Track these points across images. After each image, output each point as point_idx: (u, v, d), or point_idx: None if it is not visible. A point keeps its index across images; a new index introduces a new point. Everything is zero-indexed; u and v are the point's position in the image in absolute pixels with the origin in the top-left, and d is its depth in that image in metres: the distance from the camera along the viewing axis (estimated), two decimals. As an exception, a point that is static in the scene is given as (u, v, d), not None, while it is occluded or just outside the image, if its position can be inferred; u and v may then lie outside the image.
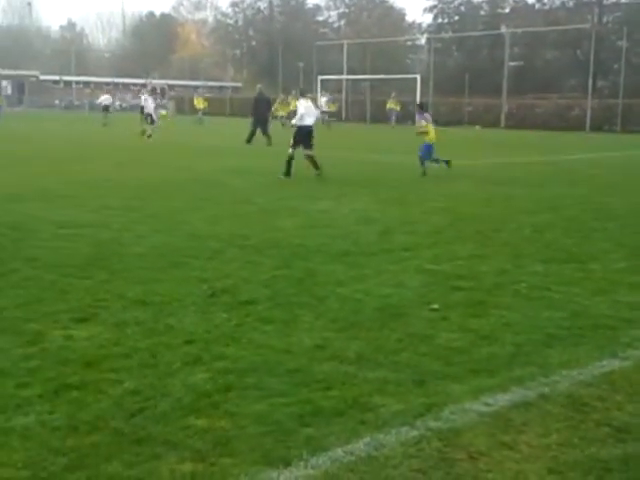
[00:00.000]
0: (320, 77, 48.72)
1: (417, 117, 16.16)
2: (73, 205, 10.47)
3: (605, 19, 58.12)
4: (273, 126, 25.77)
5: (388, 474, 3.10)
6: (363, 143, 27.95)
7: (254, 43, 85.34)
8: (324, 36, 73.69)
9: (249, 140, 24.57)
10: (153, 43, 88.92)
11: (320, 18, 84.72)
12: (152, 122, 27.17)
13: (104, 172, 15.04)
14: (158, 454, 3.22)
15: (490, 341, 4.79)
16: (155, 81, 65.75)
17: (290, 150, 14.46)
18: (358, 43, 56.97)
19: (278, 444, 3.32)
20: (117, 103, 63.55)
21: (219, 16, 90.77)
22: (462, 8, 66.78)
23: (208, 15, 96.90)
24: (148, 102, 27.94)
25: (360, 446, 3.32)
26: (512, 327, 5.10)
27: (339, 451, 3.27)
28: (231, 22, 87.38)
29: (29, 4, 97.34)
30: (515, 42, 54.10)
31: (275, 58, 62.11)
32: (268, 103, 26.61)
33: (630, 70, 45.10)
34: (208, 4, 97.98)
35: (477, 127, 41.86)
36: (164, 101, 52.27)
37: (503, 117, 43.76)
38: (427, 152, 15.34)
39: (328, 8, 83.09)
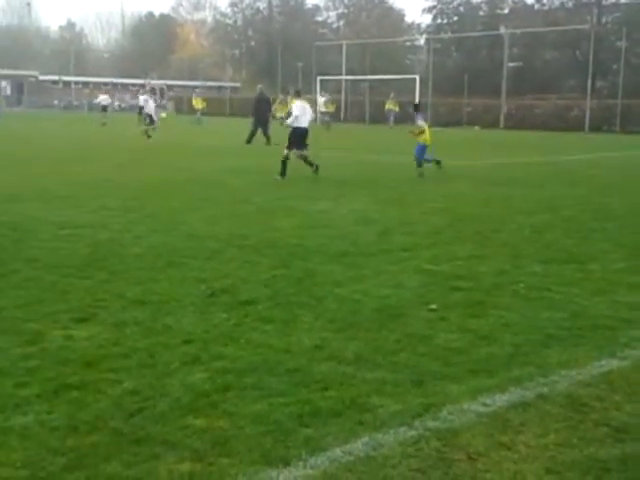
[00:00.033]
0: (319, 77, 48.71)
1: (417, 118, 16.13)
2: (73, 206, 10.48)
3: (604, 20, 58.21)
4: (273, 126, 25.75)
5: (386, 474, 3.11)
6: (362, 143, 27.94)
7: (253, 43, 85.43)
8: (323, 36, 73.82)
9: (249, 140, 24.55)
10: (152, 43, 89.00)
11: (319, 18, 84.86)
12: (151, 122, 27.16)
13: (103, 173, 15.04)
14: (157, 454, 3.23)
15: (489, 341, 4.80)
16: (154, 81, 65.83)
17: (285, 151, 14.50)
18: (357, 43, 57.06)
19: (277, 444, 3.33)
20: (116, 103, 63.54)
21: (218, 16, 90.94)
22: (461, 9, 66.89)
23: (207, 15, 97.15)
24: (149, 103, 27.94)
25: (359, 446, 3.33)
26: (511, 327, 5.10)
27: (338, 451, 3.27)
28: (230, 22, 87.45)
29: (28, 4, 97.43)
30: (514, 43, 54.16)
31: (274, 58, 62.19)
32: (269, 103, 26.62)
33: (629, 70, 45.19)
34: (207, 4, 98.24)
35: (476, 128, 41.90)
36: (163, 101, 52.30)
37: (502, 117, 43.79)
38: (420, 152, 15.34)
39: (327, 8, 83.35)
